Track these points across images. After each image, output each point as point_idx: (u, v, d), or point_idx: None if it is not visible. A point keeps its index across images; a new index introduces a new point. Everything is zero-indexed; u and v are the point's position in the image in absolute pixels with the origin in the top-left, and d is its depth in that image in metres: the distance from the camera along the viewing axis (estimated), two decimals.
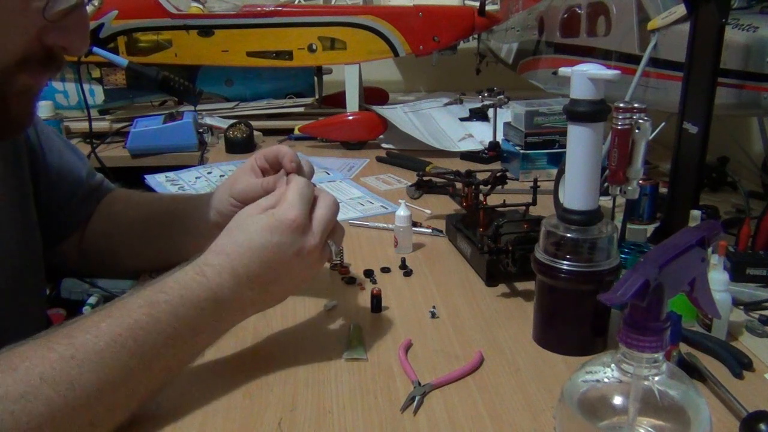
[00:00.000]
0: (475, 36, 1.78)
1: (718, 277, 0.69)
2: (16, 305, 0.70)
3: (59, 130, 1.59)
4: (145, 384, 0.54)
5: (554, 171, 1.14)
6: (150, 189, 1.24)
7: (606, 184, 0.71)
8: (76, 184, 0.84)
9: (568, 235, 0.65)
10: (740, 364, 0.64)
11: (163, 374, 0.56)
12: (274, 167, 0.73)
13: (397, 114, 1.57)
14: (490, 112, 1.46)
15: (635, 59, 1.06)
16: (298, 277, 0.64)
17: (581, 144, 0.65)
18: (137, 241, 0.85)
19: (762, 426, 0.52)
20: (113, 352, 0.51)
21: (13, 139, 0.72)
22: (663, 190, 1.00)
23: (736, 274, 0.80)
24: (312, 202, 0.64)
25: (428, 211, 1.09)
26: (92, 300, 1.40)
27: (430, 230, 1.01)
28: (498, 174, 0.99)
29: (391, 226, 0.98)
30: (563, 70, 0.65)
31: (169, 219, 0.84)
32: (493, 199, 0.96)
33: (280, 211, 0.62)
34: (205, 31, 1.64)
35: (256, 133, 1.59)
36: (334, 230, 0.66)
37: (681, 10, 0.94)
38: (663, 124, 1.08)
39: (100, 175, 0.89)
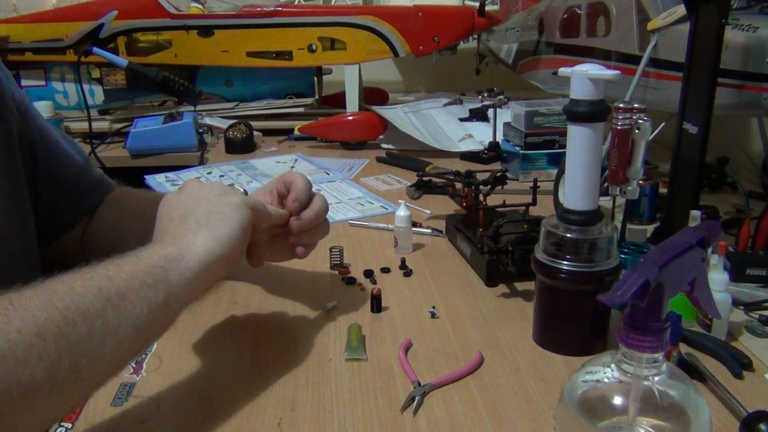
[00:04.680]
0: (475, 36, 1.78)
1: (718, 277, 0.69)
2: None
3: None
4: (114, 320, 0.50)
5: (554, 171, 1.14)
6: (150, 189, 1.24)
7: (606, 184, 0.71)
8: (78, 176, 0.84)
9: (568, 235, 0.65)
10: (740, 364, 0.64)
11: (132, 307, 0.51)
12: (285, 197, 0.73)
13: (397, 114, 1.57)
14: (490, 113, 1.46)
15: (635, 59, 1.06)
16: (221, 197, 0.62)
17: (581, 144, 0.65)
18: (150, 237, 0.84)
19: (762, 426, 0.52)
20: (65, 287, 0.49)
21: None
22: (663, 190, 1.00)
23: (736, 274, 0.80)
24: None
25: (428, 212, 1.09)
26: None
27: (430, 230, 1.01)
28: (498, 174, 1.00)
29: (391, 226, 0.98)
30: (563, 71, 0.65)
31: None
32: (493, 200, 0.96)
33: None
34: (205, 31, 1.64)
35: (256, 133, 1.59)
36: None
37: (681, 10, 0.94)
38: (663, 124, 1.08)
39: (100, 170, 0.89)
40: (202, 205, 0.61)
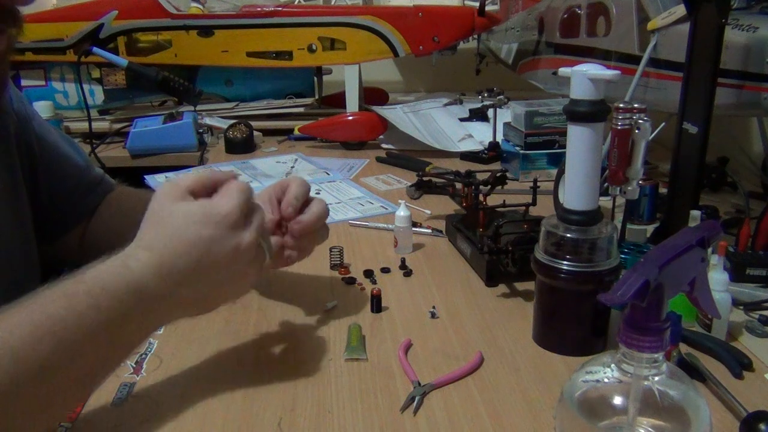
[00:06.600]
0: (475, 36, 1.78)
1: (718, 277, 0.69)
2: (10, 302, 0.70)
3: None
4: (63, 387, 0.50)
5: (554, 171, 1.14)
6: (150, 189, 1.24)
7: (606, 184, 0.71)
8: (78, 176, 0.84)
9: (568, 235, 0.65)
10: (740, 364, 0.64)
11: (87, 378, 0.52)
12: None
13: (397, 114, 1.57)
14: (490, 113, 1.46)
15: (635, 59, 1.06)
16: (235, 277, 0.58)
17: (581, 144, 0.65)
18: None
19: (762, 426, 0.52)
20: (29, 349, 0.47)
21: None
22: (663, 190, 1.00)
23: (736, 274, 0.80)
24: (251, 209, 0.60)
25: (428, 212, 1.09)
26: None
27: (430, 230, 1.01)
28: (498, 174, 0.99)
29: (391, 226, 0.98)
30: (563, 71, 0.65)
31: None
32: (493, 200, 0.96)
33: (213, 202, 0.57)
34: (205, 31, 1.64)
35: (256, 133, 1.59)
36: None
37: (681, 10, 0.94)
38: (663, 124, 1.08)
39: (100, 170, 0.89)
40: (214, 271, 0.58)
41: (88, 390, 0.54)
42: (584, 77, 0.63)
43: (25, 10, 0.62)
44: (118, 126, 1.67)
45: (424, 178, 1.14)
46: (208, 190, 0.60)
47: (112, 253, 0.56)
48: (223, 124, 1.62)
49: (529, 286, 0.80)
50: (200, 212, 0.56)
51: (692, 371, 0.62)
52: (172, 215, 0.57)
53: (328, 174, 1.33)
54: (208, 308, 0.61)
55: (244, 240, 0.57)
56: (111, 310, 0.52)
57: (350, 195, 1.20)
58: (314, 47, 1.62)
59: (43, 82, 1.76)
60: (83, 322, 0.50)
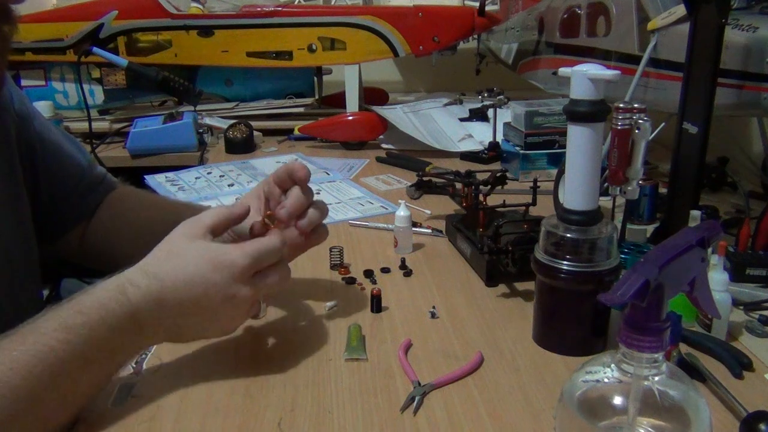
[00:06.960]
0: (475, 36, 1.78)
1: (718, 277, 0.69)
2: (11, 304, 0.70)
3: None
4: (57, 413, 0.53)
5: (554, 171, 1.14)
6: (150, 189, 1.24)
7: (606, 184, 0.71)
8: (79, 176, 0.84)
9: (568, 235, 0.65)
10: (740, 364, 0.64)
11: (78, 400, 0.55)
12: (285, 186, 0.71)
13: (397, 114, 1.57)
14: (490, 113, 1.46)
15: (635, 59, 1.06)
16: (219, 321, 0.61)
17: (581, 144, 0.65)
18: (148, 241, 0.84)
19: (762, 426, 0.52)
20: (27, 384, 0.50)
21: None
22: (663, 190, 1.00)
23: (736, 274, 0.80)
24: (265, 263, 0.61)
25: (428, 212, 1.09)
26: None
27: (430, 230, 1.01)
28: (498, 174, 0.99)
29: (391, 226, 0.98)
30: (563, 71, 0.65)
31: None
32: (493, 200, 0.96)
33: (229, 249, 0.59)
34: (205, 31, 1.64)
35: (256, 133, 1.59)
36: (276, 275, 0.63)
37: (681, 10, 0.94)
38: (663, 124, 1.08)
39: (102, 168, 0.89)
40: (203, 311, 0.60)
41: (77, 410, 0.56)
42: (584, 77, 0.63)
43: (21, 10, 0.62)
44: (118, 126, 1.67)
45: (424, 178, 1.14)
46: (227, 227, 0.64)
47: (113, 275, 0.59)
48: (223, 124, 1.62)
49: (529, 286, 0.80)
50: (213, 256, 0.59)
51: (692, 371, 0.62)
52: (186, 251, 0.60)
53: (328, 174, 1.33)
54: (191, 339, 0.64)
55: (241, 293, 0.60)
56: (106, 339, 0.55)
57: (350, 195, 1.20)
58: (314, 47, 1.62)
59: (43, 82, 1.76)
60: (78, 354, 0.53)
